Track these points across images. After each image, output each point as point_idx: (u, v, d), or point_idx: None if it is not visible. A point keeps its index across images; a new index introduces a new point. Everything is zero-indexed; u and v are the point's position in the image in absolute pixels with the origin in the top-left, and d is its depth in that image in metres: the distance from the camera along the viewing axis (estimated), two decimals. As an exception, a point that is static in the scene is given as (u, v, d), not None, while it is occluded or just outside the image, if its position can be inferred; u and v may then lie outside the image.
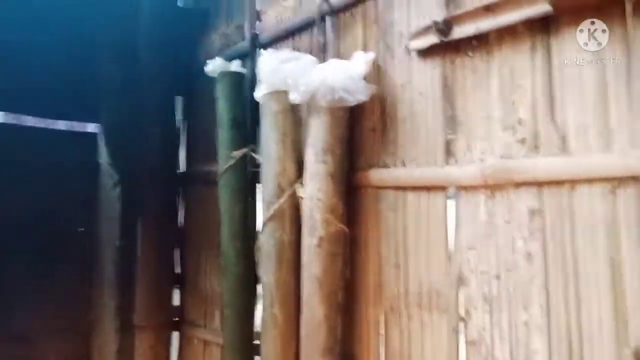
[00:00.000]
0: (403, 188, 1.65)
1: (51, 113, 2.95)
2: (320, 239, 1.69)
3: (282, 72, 1.80)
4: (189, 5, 2.83)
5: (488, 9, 1.41)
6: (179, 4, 2.84)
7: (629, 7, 1.16)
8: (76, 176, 2.82)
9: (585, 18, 1.25)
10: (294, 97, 1.76)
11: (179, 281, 2.75)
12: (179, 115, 2.85)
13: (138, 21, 2.62)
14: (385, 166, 1.72)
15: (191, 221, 2.76)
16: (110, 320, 2.66)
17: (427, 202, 1.59)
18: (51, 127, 3.05)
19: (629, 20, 1.17)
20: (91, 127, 3.05)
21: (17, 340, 2.61)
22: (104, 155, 2.84)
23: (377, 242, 1.73)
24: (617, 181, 1.19)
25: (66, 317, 2.76)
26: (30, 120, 2.79)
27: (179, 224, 2.79)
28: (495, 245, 1.42)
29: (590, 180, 1.23)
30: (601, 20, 1.22)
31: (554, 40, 1.32)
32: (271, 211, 1.81)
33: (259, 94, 1.91)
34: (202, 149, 2.73)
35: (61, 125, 3.19)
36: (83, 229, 2.84)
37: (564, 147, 1.29)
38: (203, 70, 2.65)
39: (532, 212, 1.34)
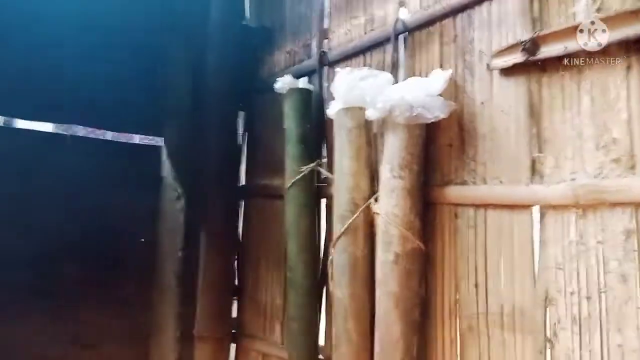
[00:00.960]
0: (484, 206, 1.64)
1: (118, 125, 3.07)
2: (397, 255, 1.69)
3: (359, 89, 1.83)
4: (254, 24, 2.91)
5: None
6: (244, 22, 2.91)
7: None
8: (140, 189, 2.91)
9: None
10: (371, 114, 1.78)
11: (237, 293, 2.79)
12: (240, 130, 2.90)
13: (206, 36, 2.71)
14: (464, 183, 1.71)
15: (250, 234, 2.80)
16: (171, 330, 2.71)
17: (510, 221, 1.57)
18: (119, 140, 3.18)
19: None
20: (155, 141, 3.16)
21: (81, 347, 2.68)
22: (167, 169, 2.93)
23: (454, 260, 1.72)
24: None
25: (126, 325, 2.82)
26: (100, 133, 2.91)
27: (238, 236, 2.83)
28: (586, 266, 1.39)
29: (694, 202, 1.21)
30: None
31: (652, 59, 1.30)
32: (345, 226, 1.83)
33: (333, 110, 1.94)
34: (262, 164, 2.78)
35: (135, 139, 3.33)
36: (144, 240, 2.92)
37: (664, 167, 1.27)
38: (265, 87, 2.72)
39: (628, 233, 1.31)
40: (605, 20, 1.36)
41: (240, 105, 2.88)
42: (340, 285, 1.82)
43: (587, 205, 1.39)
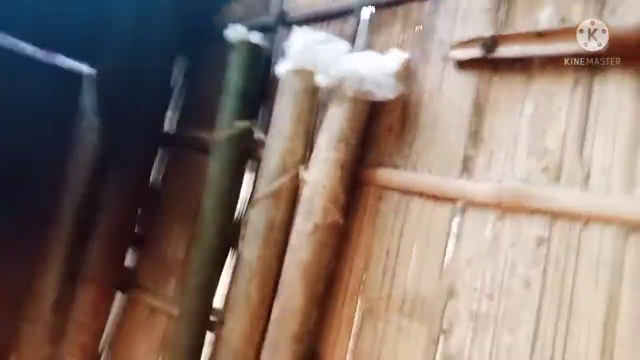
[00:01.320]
0: (410, 192, 1.63)
1: (49, 45, 2.77)
2: (316, 226, 1.64)
3: (314, 52, 1.76)
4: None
5: (540, 36, 1.44)
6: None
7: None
8: (55, 114, 2.65)
9: (634, 66, 1.29)
10: (322, 80, 1.72)
11: (137, 242, 2.61)
12: (175, 75, 2.73)
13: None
14: (395, 167, 1.70)
15: (164, 184, 2.64)
16: (55, 268, 2.48)
17: (431, 211, 1.58)
18: (47, 60, 2.86)
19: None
20: (82, 68, 2.89)
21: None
22: (89, 98, 2.69)
23: (369, 241, 1.70)
24: (632, 226, 1.22)
25: (13, 257, 2.56)
26: (29, 50, 2.60)
27: (150, 184, 2.65)
28: (494, 266, 1.42)
29: (605, 220, 1.26)
30: (650, 70, 1.26)
31: (598, 79, 1.35)
32: (270, 188, 1.75)
33: (282, 69, 1.85)
34: (194, 113, 2.63)
35: (56, 59, 2.99)
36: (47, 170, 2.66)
37: (586, 182, 1.31)
38: (213, 35, 2.58)
39: (540, 240, 1.35)
40: (564, 32, 1.39)
41: (182, 50, 2.71)
42: (250, 246, 1.74)
43: (507, 208, 1.42)
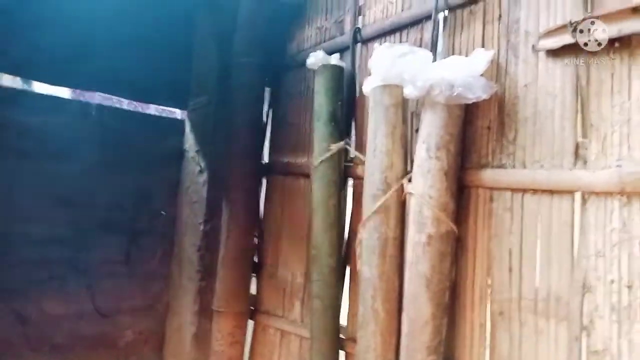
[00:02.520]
0: (522, 190, 1.61)
1: (141, 96, 3.04)
2: (430, 237, 1.67)
3: (397, 66, 1.79)
4: (284, -2, 2.86)
5: (635, 11, 1.36)
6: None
7: None
8: (161, 161, 2.90)
9: None
10: (410, 92, 1.74)
11: (256, 269, 2.78)
12: (265, 107, 2.87)
13: (236, 8, 2.65)
14: (502, 166, 1.68)
15: (271, 211, 2.79)
16: (189, 303, 2.72)
17: (549, 206, 1.55)
18: (142, 110, 3.15)
19: None
20: (178, 114, 3.14)
21: (97, 316, 2.70)
22: (189, 142, 2.92)
23: (487, 243, 1.70)
24: None
25: (146, 296, 2.85)
26: (125, 104, 2.88)
27: (259, 213, 2.82)
28: (628, 254, 1.36)
29: None
30: None
31: None
32: (377, 205, 1.80)
33: (369, 86, 1.90)
34: (287, 141, 2.75)
35: (151, 109, 3.29)
36: (165, 213, 2.92)
37: None
38: (293, 63, 2.69)
39: (676, 223, 1.28)
40: (665, 2, 1.31)
41: (267, 81, 2.85)
42: (369, 265, 1.80)
43: (633, 193, 1.36)
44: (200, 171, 2.80)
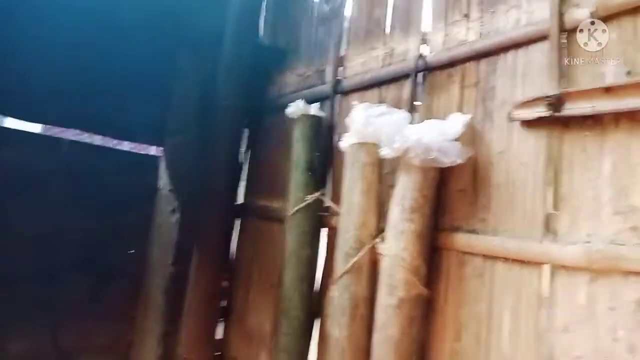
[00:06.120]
0: (494, 257, 1.61)
1: (115, 133, 2.99)
2: (401, 300, 1.65)
3: (375, 125, 1.80)
4: (267, 42, 2.88)
5: (607, 91, 1.40)
6: (258, 39, 2.89)
7: None
8: (134, 199, 2.84)
9: None
10: (386, 152, 1.75)
11: (225, 314, 2.72)
12: (243, 148, 2.86)
13: (218, 50, 2.66)
14: (474, 231, 1.68)
15: (243, 255, 2.74)
16: (154, 347, 2.63)
17: (519, 275, 1.55)
18: (115, 146, 3.10)
19: None
20: (153, 150, 3.10)
21: (60, 354, 2.59)
22: (164, 181, 2.87)
23: (457, 309, 1.68)
24: None
25: (109, 337, 2.74)
26: (98, 140, 2.83)
27: (231, 255, 2.77)
28: (594, 331, 1.36)
29: None
30: None
31: (680, 131, 1.29)
32: (349, 264, 1.78)
33: (346, 143, 1.90)
34: (263, 184, 2.73)
35: (125, 145, 3.23)
36: (134, 251, 2.85)
37: (685, 242, 1.25)
38: (273, 107, 2.70)
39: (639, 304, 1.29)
40: (634, 85, 1.35)
41: (246, 123, 2.84)
42: (338, 325, 1.77)
43: (599, 270, 1.36)
44: (173, 210, 2.74)
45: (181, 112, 2.80)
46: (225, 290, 2.75)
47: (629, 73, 1.40)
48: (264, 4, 2.93)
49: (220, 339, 2.70)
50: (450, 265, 1.73)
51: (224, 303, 2.77)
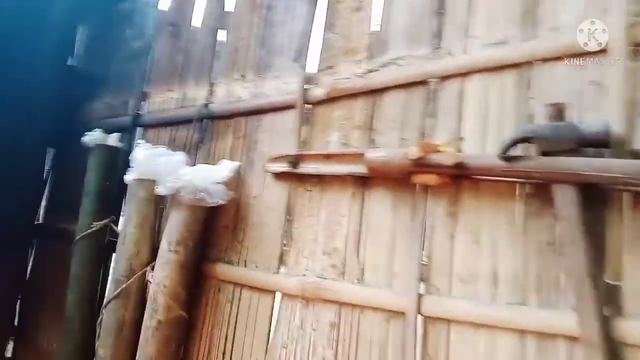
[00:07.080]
0: (241, 285, 1.92)
1: None
2: (159, 322, 1.87)
3: (154, 165, 2.02)
4: (79, 66, 2.94)
5: (327, 157, 1.79)
6: (70, 62, 2.93)
7: (417, 186, 1.60)
8: None
9: (389, 185, 1.66)
10: (160, 190, 1.97)
11: (16, 333, 2.69)
12: (47, 167, 2.87)
13: (32, 68, 2.66)
14: (230, 262, 1.98)
15: (38, 275, 2.74)
16: None
17: (257, 301, 1.87)
18: None
19: (417, 190, 1.60)
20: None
21: None
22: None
23: (211, 329, 1.96)
24: (392, 313, 1.57)
25: None
26: None
27: (26, 275, 2.75)
28: (302, 348, 1.72)
29: (374, 308, 1.61)
30: (398, 189, 1.64)
31: (367, 192, 1.72)
32: (118, 289, 1.96)
33: (129, 178, 2.08)
34: (63, 205, 2.76)
35: None
36: None
37: (361, 278, 1.66)
38: (79, 130, 2.75)
39: (332, 325, 1.68)
40: (341, 156, 1.75)
41: (52, 141, 2.86)
42: (104, 346, 1.93)
43: (309, 298, 1.74)
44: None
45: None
46: (21, 310, 2.73)
47: (345, 143, 1.81)
48: (81, 31, 2.98)
49: (9, 358, 2.66)
50: (210, 291, 2.00)
51: (16, 322, 2.73)
